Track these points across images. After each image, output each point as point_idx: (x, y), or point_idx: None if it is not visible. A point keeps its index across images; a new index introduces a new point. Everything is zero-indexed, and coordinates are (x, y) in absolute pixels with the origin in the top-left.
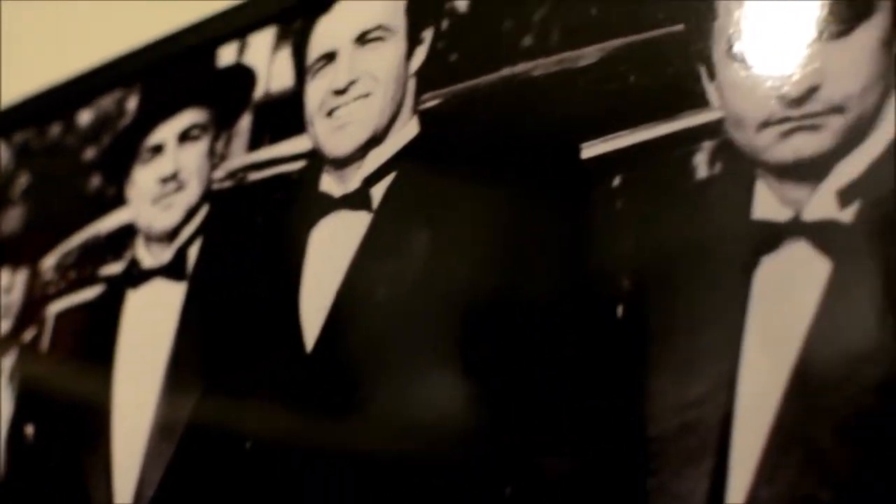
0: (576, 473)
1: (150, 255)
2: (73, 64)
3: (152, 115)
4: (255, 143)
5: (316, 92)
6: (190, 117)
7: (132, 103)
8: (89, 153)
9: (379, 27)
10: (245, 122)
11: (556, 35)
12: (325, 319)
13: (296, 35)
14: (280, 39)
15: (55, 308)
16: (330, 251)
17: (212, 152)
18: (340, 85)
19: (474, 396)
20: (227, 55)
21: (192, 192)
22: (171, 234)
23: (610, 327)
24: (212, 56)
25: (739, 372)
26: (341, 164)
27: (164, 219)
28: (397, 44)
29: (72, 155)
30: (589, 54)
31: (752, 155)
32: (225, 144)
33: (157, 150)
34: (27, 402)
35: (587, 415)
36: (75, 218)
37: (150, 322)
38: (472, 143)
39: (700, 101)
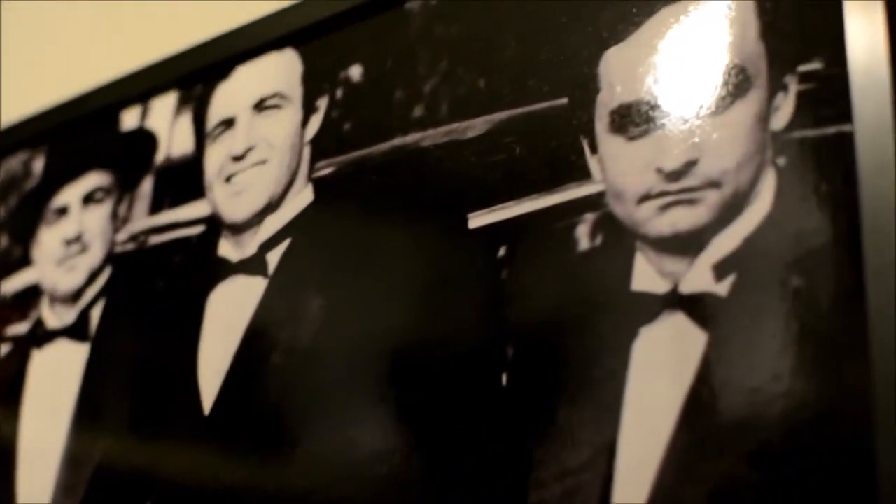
0: None
1: (54, 316)
2: None
3: (57, 177)
4: (156, 207)
5: (215, 157)
6: (94, 180)
7: (38, 165)
8: None
9: (276, 95)
10: (147, 186)
11: (446, 106)
12: (222, 382)
13: (196, 101)
14: (181, 104)
15: None
16: (227, 315)
17: (115, 215)
18: (238, 151)
19: (366, 459)
20: (130, 119)
21: (95, 255)
22: (75, 296)
23: (496, 395)
24: (115, 120)
25: (619, 441)
26: (239, 229)
27: (67, 280)
28: (293, 111)
29: None
30: (477, 126)
31: (632, 228)
32: (127, 207)
33: (62, 211)
34: None
35: (474, 480)
36: None
37: (55, 382)
38: (364, 211)
39: (582, 174)
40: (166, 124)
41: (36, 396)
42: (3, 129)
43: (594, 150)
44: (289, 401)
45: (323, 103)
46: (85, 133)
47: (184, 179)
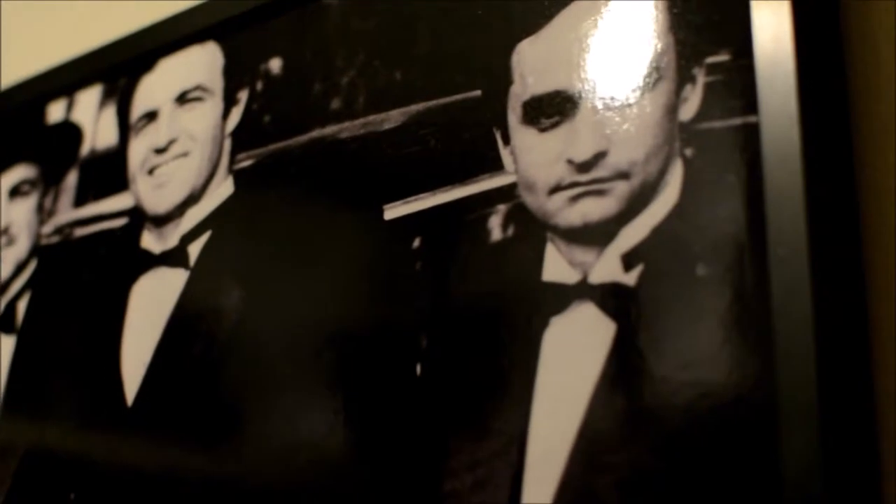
0: None
1: None
2: None
3: None
4: (80, 200)
5: (138, 150)
6: (20, 173)
7: None
8: None
9: (198, 87)
10: (72, 179)
11: (363, 99)
12: (144, 374)
13: (120, 93)
14: (106, 97)
15: None
16: (150, 307)
17: (40, 207)
18: (161, 143)
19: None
20: (55, 112)
21: (21, 247)
22: (1, 288)
23: (411, 385)
24: (41, 112)
25: (530, 431)
26: (161, 221)
27: None
28: (215, 104)
29: None
30: (393, 118)
31: (543, 219)
32: (53, 200)
33: None
34: None
35: (390, 468)
36: None
37: None
38: (284, 202)
39: (495, 166)
40: (91, 117)
41: None
42: None
43: (507, 141)
44: (211, 391)
45: (244, 96)
46: (11, 126)
47: (108, 172)
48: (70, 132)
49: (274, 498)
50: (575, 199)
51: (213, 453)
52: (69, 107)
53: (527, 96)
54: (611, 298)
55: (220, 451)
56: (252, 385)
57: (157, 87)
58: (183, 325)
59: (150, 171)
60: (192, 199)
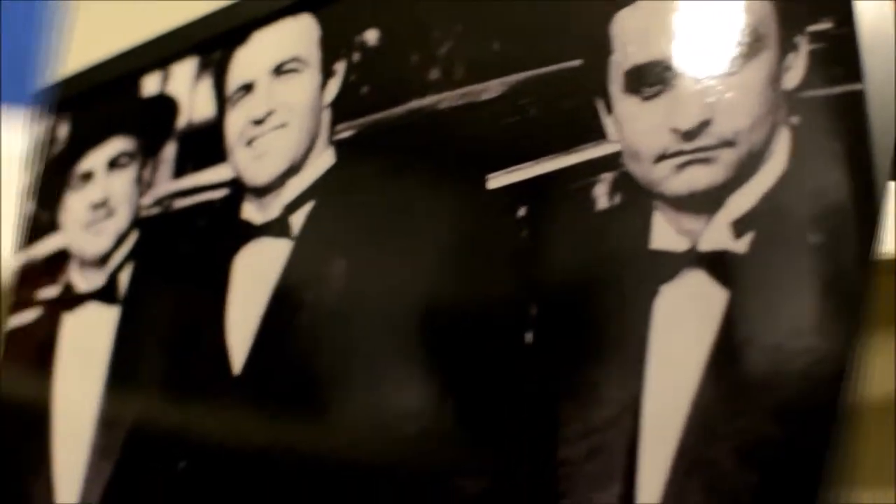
0: (492, 494)
1: (83, 280)
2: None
3: (82, 144)
4: (179, 171)
5: (236, 121)
6: (118, 145)
7: (63, 131)
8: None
9: (294, 59)
10: (170, 151)
11: (461, 69)
12: (251, 343)
13: (215, 66)
14: (201, 70)
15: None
16: (253, 277)
17: (139, 179)
18: (258, 115)
19: (394, 418)
20: (151, 85)
21: (121, 219)
22: (103, 259)
23: (520, 354)
24: (136, 86)
25: (643, 398)
26: (262, 192)
27: (95, 244)
28: (312, 75)
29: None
30: (492, 88)
31: (649, 187)
32: (151, 172)
33: (88, 177)
34: None
35: (501, 438)
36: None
37: (87, 345)
38: (385, 173)
39: (598, 135)
40: (187, 90)
41: (68, 359)
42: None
43: (609, 110)
44: (317, 361)
45: (341, 67)
46: (107, 99)
47: (206, 144)
48: (166, 105)
49: (378, 470)
50: (681, 167)
51: (319, 423)
52: (164, 80)
53: (628, 65)
54: (721, 266)
55: (325, 420)
56: (357, 355)
57: (252, 59)
58: (288, 294)
59: (249, 143)
60: (293, 169)
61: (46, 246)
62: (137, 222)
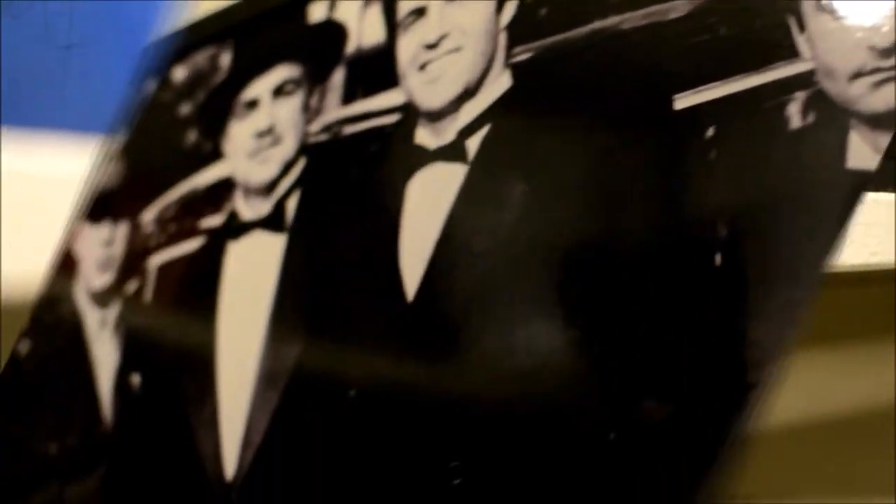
0: (677, 417)
1: (248, 208)
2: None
3: (245, 72)
4: (348, 97)
5: (407, 46)
6: (283, 73)
7: (225, 59)
8: (185, 109)
9: None
10: (338, 77)
11: None
12: (424, 270)
13: None
14: None
15: (157, 260)
16: (427, 203)
17: (306, 107)
18: (431, 39)
19: (575, 342)
20: (317, 11)
21: (288, 146)
22: (269, 187)
23: (708, 274)
24: (302, 12)
25: None
26: (435, 117)
27: (261, 172)
28: None
29: (167, 110)
30: (678, 7)
31: (845, 105)
32: (319, 99)
33: (252, 105)
34: (132, 352)
35: (687, 360)
36: (173, 172)
37: (252, 273)
38: (565, 95)
39: (790, 53)
40: (355, 15)
41: (233, 287)
42: (189, 24)
43: (802, 28)
44: (492, 288)
45: None
46: (271, 27)
47: (376, 69)
48: (334, 31)
49: (561, 398)
50: (878, 84)
51: (492, 352)
52: (331, 6)
53: None
54: None
55: (501, 348)
56: (536, 282)
57: None
58: (463, 219)
59: (422, 67)
60: (468, 93)
61: (209, 175)
62: (305, 149)
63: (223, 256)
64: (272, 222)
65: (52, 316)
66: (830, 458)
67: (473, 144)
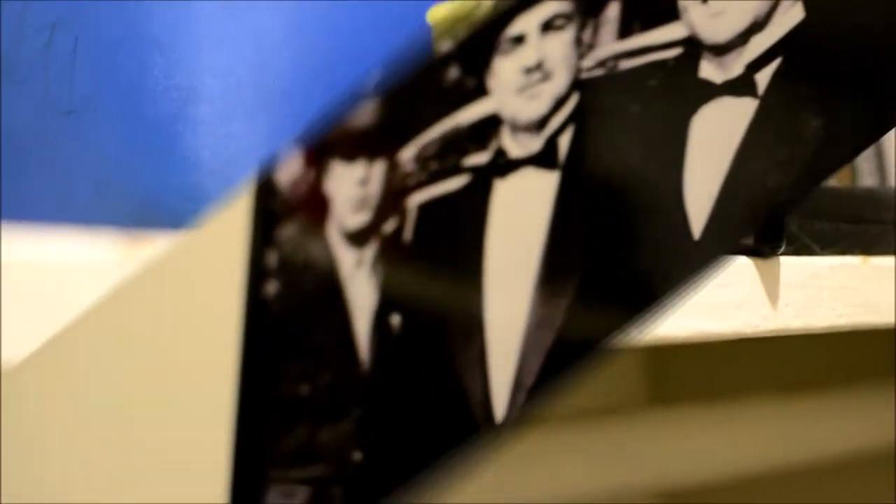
0: None
1: (517, 145)
2: None
3: (511, 7)
4: (624, 32)
5: None
6: (552, 8)
7: None
8: (443, 45)
9: None
10: (613, 10)
11: None
12: (712, 207)
13: None
14: None
15: (417, 199)
16: (714, 138)
17: (578, 42)
18: None
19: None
20: None
21: (558, 82)
22: (540, 124)
23: None
24: None
25: None
26: (721, 50)
27: (530, 108)
28: None
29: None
30: None
31: None
32: (592, 33)
33: (519, 40)
34: (391, 292)
35: None
36: (433, 110)
37: (522, 210)
38: (860, 29)
39: None
40: None
41: (501, 225)
42: None
43: None
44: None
45: None
46: None
47: (653, 3)
48: None
49: None
50: None
51: None
52: None
53: None
54: None
55: None
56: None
57: None
58: (754, 155)
59: (704, 0)
60: (757, 26)
61: (473, 112)
62: (577, 84)
63: (490, 194)
64: (544, 159)
65: (302, 257)
66: None
67: (763, 78)
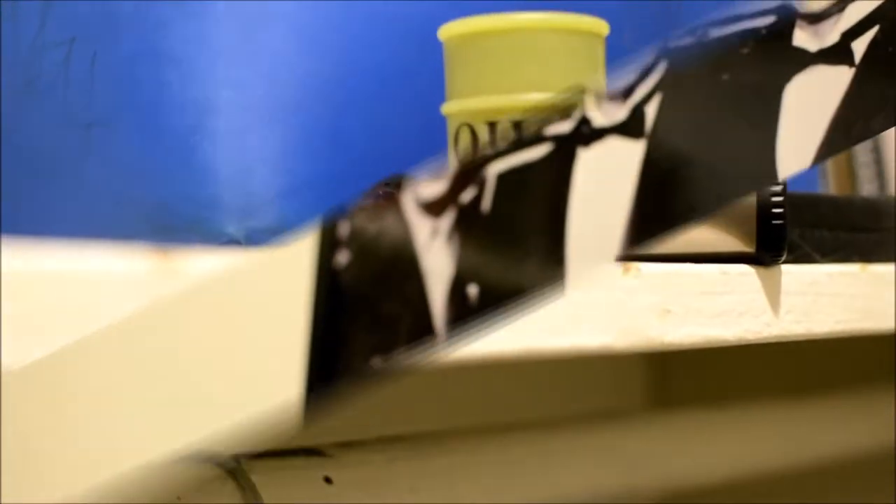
0: None
1: (601, 114)
2: None
3: None
4: None
5: None
6: None
7: None
8: None
9: None
10: None
11: None
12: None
13: None
14: None
15: (496, 168)
16: (808, 107)
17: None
18: None
19: None
20: None
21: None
22: (626, 92)
23: None
24: None
25: None
26: (816, 18)
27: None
28: None
29: None
30: None
31: None
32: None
33: None
34: (469, 262)
35: None
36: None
37: (605, 182)
38: None
39: None
40: None
41: (585, 195)
42: None
43: None
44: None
45: None
46: None
47: None
48: None
49: None
50: None
51: None
52: None
53: None
54: None
55: None
56: None
57: None
58: (848, 123)
59: None
60: None
61: None
62: (665, 53)
63: (573, 163)
64: (629, 128)
65: (375, 226)
66: None
67: (860, 47)
